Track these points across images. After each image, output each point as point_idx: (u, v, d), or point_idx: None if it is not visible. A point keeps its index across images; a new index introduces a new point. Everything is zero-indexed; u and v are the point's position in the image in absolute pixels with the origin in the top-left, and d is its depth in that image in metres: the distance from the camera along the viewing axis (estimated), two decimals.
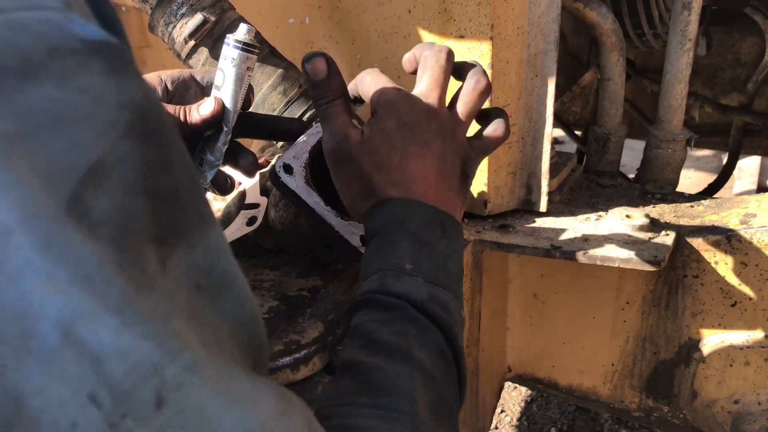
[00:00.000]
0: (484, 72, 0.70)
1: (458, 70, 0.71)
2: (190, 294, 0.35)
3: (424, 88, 0.68)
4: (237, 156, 0.78)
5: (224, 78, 0.74)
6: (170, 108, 0.74)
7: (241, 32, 0.73)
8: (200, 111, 0.74)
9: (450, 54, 0.69)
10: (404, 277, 0.60)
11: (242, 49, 0.73)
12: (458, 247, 0.65)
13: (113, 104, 0.33)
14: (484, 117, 0.72)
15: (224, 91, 0.74)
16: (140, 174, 0.33)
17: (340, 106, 0.67)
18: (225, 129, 0.75)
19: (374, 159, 0.65)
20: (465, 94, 0.69)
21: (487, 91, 0.69)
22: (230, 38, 0.73)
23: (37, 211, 0.29)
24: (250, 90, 0.77)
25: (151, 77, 0.77)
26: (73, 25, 0.33)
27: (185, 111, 0.74)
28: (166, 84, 0.77)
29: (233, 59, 0.73)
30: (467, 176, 0.70)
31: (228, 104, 0.74)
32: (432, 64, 0.68)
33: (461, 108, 0.69)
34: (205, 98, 0.75)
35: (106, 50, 0.34)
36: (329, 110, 0.67)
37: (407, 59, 0.71)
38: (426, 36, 0.96)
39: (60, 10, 0.33)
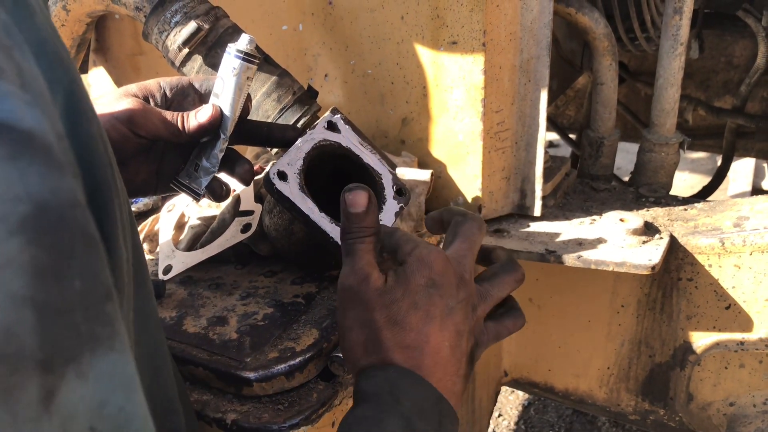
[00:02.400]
0: (517, 261, 0.68)
1: (486, 251, 0.70)
2: None
3: (458, 252, 0.64)
4: (233, 164, 0.78)
5: (224, 86, 0.74)
6: (168, 114, 0.74)
7: (243, 42, 0.74)
8: (198, 117, 0.74)
9: (485, 228, 0.68)
10: None
11: (243, 59, 0.73)
12: None
13: (4, 195, 0.28)
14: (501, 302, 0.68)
15: (223, 99, 0.75)
16: (29, 281, 0.27)
17: (369, 244, 0.63)
18: (222, 136, 0.76)
19: (390, 312, 0.60)
20: (502, 278, 0.66)
21: (521, 281, 0.67)
22: (232, 47, 0.74)
23: None
24: (248, 99, 0.78)
25: (150, 83, 0.78)
26: None
27: (183, 117, 0.74)
28: (164, 90, 0.78)
29: (234, 68, 0.74)
30: (473, 361, 0.64)
31: (226, 112, 0.75)
32: (469, 232, 0.66)
33: (494, 290, 0.65)
34: (203, 105, 0.75)
35: (7, 133, 0.29)
36: (356, 246, 0.63)
37: (433, 219, 0.70)
38: (419, 42, 0.97)
39: None
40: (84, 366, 0.29)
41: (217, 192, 0.79)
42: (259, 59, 0.76)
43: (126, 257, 0.39)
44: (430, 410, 0.56)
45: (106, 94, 0.77)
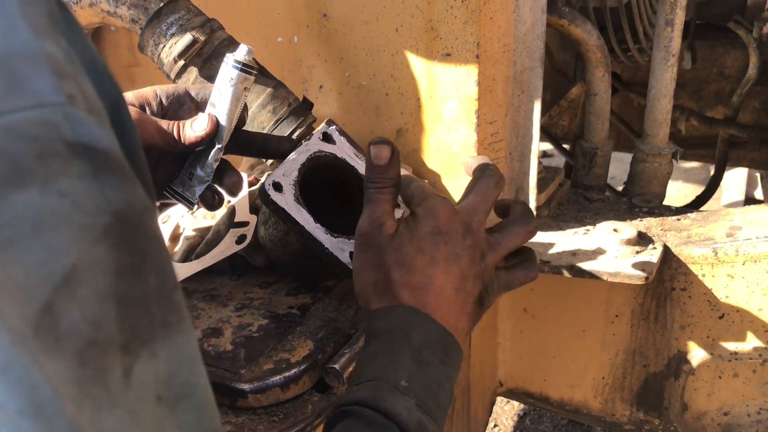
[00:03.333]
0: (533, 214, 0.72)
1: (505, 205, 0.73)
2: (153, 408, 0.34)
3: (469, 205, 0.68)
4: (222, 174, 0.78)
5: (221, 96, 0.75)
6: (164, 123, 0.75)
7: (241, 53, 0.74)
8: (194, 127, 0.74)
9: (503, 183, 0.71)
10: (398, 394, 0.58)
11: (241, 70, 0.74)
12: (454, 376, 0.63)
13: (90, 208, 0.32)
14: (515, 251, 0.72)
15: (219, 109, 0.75)
16: (112, 280, 0.32)
17: (388, 194, 0.68)
18: (217, 146, 0.76)
19: (399, 255, 0.65)
20: (512, 229, 0.70)
21: (533, 234, 0.71)
22: (230, 57, 0.74)
23: (1, 334, 0.28)
24: (245, 109, 0.78)
25: (147, 92, 0.78)
26: (68, 125, 0.32)
27: (179, 127, 0.75)
28: (161, 98, 0.78)
29: (231, 79, 0.74)
30: (482, 304, 0.68)
31: (223, 122, 0.75)
32: (485, 187, 0.70)
33: (504, 240, 0.69)
34: (200, 114, 0.76)
35: (89, 153, 0.33)
36: (377, 195, 0.68)
37: (467, 165, 0.75)
38: (413, 54, 0.97)
39: (61, 105, 0.32)
40: (157, 347, 0.34)
41: (210, 202, 0.80)
42: (257, 70, 0.76)
43: None
44: (435, 342, 0.62)
45: None
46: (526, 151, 1.02)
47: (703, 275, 1.00)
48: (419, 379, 0.59)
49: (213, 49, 0.85)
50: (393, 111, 1.03)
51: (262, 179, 0.97)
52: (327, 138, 0.81)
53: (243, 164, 1.09)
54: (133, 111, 0.74)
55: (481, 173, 0.71)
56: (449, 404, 0.63)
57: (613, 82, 1.22)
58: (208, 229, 0.96)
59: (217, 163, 0.77)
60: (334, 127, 0.82)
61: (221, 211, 0.98)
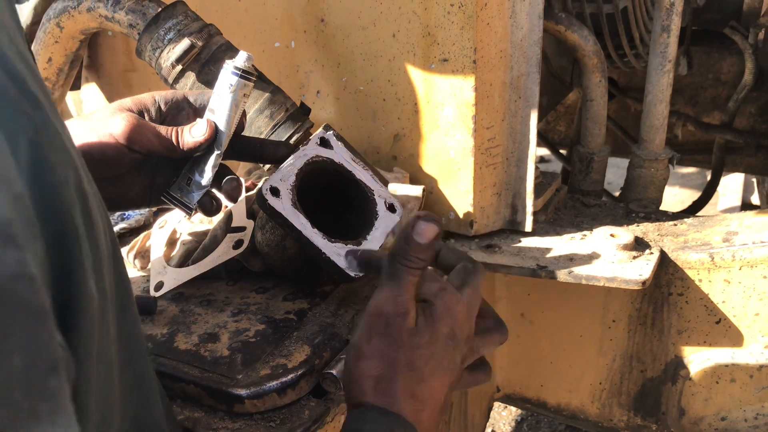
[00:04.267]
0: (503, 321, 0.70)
1: (450, 262, 0.68)
2: None
3: (471, 302, 0.64)
4: (221, 179, 0.78)
5: (220, 102, 0.75)
6: (162, 129, 0.75)
7: (241, 59, 0.75)
8: (193, 133, 0.74)
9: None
10: None
11: (241, 76, 0.74)
12: None
13: None
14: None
15: (218, 115, 0.75)
16: None
17: (418, 277, 0.62)
18: (216, 152, 0.76)
19: (414, 356, 0.60)
20: (493, 338, 0.67)
21: (504, 342, 0.69)
22: (229, 64, 0.75)
23: None
24: (243, 115, 0.78)
25: (145, 97, 0.78)
26: None
27: (177, 132, 0.75)
28: (159, 105, 0.78)
29: (231, 85, 0.74)
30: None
31: (222, 128, 0.75)
32: (479, 285, 0.65)
33: (482, 347, 0.66)
34: (198, 120, 0.76)
35: None
36: (408, 276, 0.61)
37: (419, 230, 0.63)
38: (410, 60, 0.98)
39: None
40: None
41: (208, 207, 0.80)
42: (256, 77, 0.76)
43: (97, 295, 0.39)
44: None
45: (101, 109, 0.77)
46: (523, 157, 1.02)
47: (700, 280, 1.01)
48: None
49: (211, 54, 0.85)
50: (390, 116, 1.03)
51: (260, 184, 0.97)
52: (324, 143, 0.81)
53: (240, 169, 1.09)
54: (132, 117, 0.74)
55: (473, 266, 0.66)
56: None
57: (609, 87, 1.22)
58: (204, 234, 0.96)
59: (216, 169, 0.77)
60: (331, 132, 0.82)
61: (218, 216, 0.98)
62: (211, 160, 0.76)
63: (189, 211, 0.79)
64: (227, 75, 0.74)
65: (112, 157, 0.73)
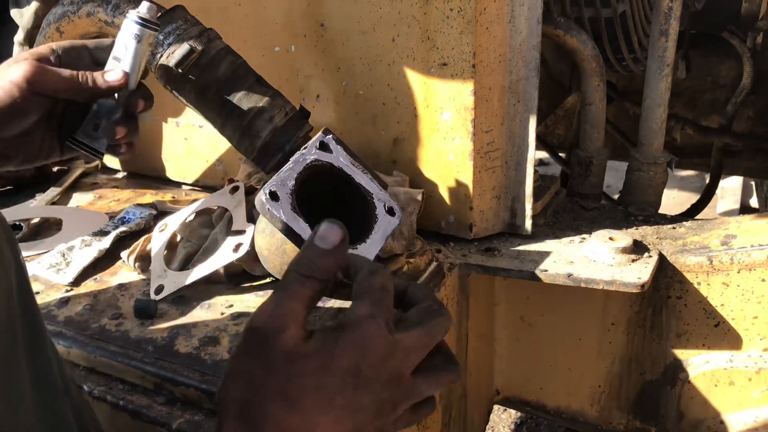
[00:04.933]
0: (455, 359, 0.61)
1: (401, 292, 0.61)
2: None
3: (413, 343, 0.55)
4: (129, 106, 0.81)
5: (125, 51, 0.79)
6: (66, 72, 0.77)
7: (144, 9, 0.79)
8: (107, 78, 0.77)
9: (449, 326, 0.60)
10: None
11: (143, 25, 0.78)
12: None
13: None
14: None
15: (124, 63, 0.79)
16: None
17: (310, 290, 0.53)
18: (119, 98, 0.80)
19: (289, 386, 0.50)
20: (440, 377, 0.58)
21: (455, 382, 0.62)
22: (132, 14, 0.79)
23: None
24: (148, 63, 0.82)
25: (42, 48, 0.80)
26: None
27: (89, 76, 0.77)
28: (58, 53, 0.80)
29: (137, 35, 0.78)
30: None
31: (129, 73, 0.79)
32: (438, 328, 0.57)
33: (425, 388, 0.57)
34: (113, 66, 0.79)
35: None
36: (297, 286, 0.53)
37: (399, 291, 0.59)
38: (410, 64, 0.98)
39: None
40: None
41: (118, 151, 0.82)
42: (159, 26, 0.80)
43: None
44: None
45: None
46: (522, 160, 1.03)
47: (699, 283, 1.01)
48: None
49: (210, 58, 0.85)
50: (390, 120, 1.04)
51: (259, 188, 0.98)
52: (324, 147, 0.82)
53: (240, 173, 1.10)
54: (32, 63, 0.75)
55: (438, 308, 0.58)
56: None
57: (608, 91, 1.22)
58: (205, 237, 0.96)
59: (119, 114, 0.80)
60: (330, 136, 0.82)
61: (221, 223, 0.98)
62: (119, 106, 0.80)
63: (100, 156, 0.82)
64: (131, 24, 0.78)
65: (18, 106, 0.74)
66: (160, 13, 0.81)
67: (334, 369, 0.51)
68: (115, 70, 0.79)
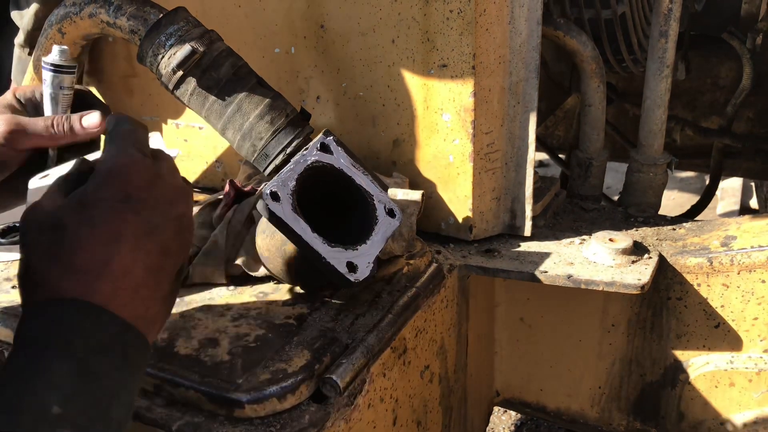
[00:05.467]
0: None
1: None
2: None
3: (166, 166, 0.59)
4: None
5: (52, 98, 0.81)
6: (41, 124, 0.77)
7: (55, 55, 0.81)
8: (85, 125, 0.78)
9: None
10: (45, 428, 0.44)
11: (57, 72, 0.81)
12: (135, 380, 0.51)
13: None
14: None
15: (45, 109, 0.81)
16: None
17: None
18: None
19: (58, 233, 0.51)
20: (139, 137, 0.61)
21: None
22: (46, 61, 0.81)
23: None
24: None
25: (8, 96, 0.81)
26: None
27: (67, 125, 0.78)
28: (21, 101, 0.82)
29: (57, 83, 0.81)
30: (182, 273, 0.57)
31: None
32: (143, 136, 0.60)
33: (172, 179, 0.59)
34: (90, 111, 0.80)
35: None
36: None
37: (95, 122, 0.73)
38: (409, 65, 0.98)
39: None
40: None
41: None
42: (72, 68, 0.82)
43: None
44: (109, 343, 0.48)
45: None
46: (522, 161, 1.03)
47: (699, 285, 1.01)
48: (82, 398, 0.46)
49: (212, 60, 0.85)
50: (389, 121, 1.04)
51: (260, 189, 0.98)
52: (324, 148, 0.82)
53: (240, 174, 1.10)
54: (8, 121, 0.76)
55: (122, 123, 0.61)
56: (128, 416, 0.50)
57: (608, 92, 1.23)
58: (205, 239, 0.96)
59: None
60: (331, 137, 0.82)
61: (221, 224, 0.98)
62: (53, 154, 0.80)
63: None
64: (47, 73, 0.81)
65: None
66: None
67: (93, 201, 0.52)
68: (91, 114, 0.79)
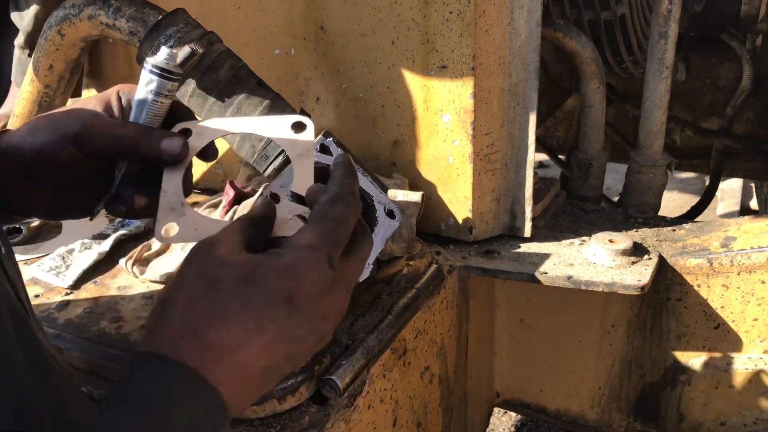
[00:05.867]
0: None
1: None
2: None
3: (341, 281, 0.53)
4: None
5: (144, 104, 0.68)
6: (115, 133, 0.65)
7: (161, 57, 0.68)
8: (164, 147, 0.64)
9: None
10: None
11: (161, 76, 0.67)
12: None
13: None
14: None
15: (132, 113, 0.68)
16: None
17: (247, 216, 0.56)
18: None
19: (213, 291, 0.48)
20: (363, 254, 0.56)
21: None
22: (149, 62, 0.68)
23: None
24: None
25: (111, 92, 0.70)
26: None
27: (144, 140, 0.65)
28: (120, 98, 0.70)
29: (153, 89, 0.68)
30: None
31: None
32: (366, 251, 0.56)
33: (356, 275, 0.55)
34: (173, 134, 0.67)
35: None
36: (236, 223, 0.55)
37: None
38: (409, 67, 0.98)
39: None
40: None
41: (118, 210, 0.68)
42: (181, 75, 0.69)
43: None
44: (203, 424, 0.46)
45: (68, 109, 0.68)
46: (522, 162, 1.03)
47: (699, 285, 1.01)
48: None
49: (211, 61, 0.85)
50: (389, 122, 1.04)
51: (260, 190, 0.98)
52: (324, 149, 0.82)
53: (240, 176, 1.10)
54: (84, 124, 0.64)
55: (361, 228, 0.57)
56: None
57: (608, 93, 1.23)
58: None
59: (122, 172, 0.68)
60: (331, 138, 0.82)
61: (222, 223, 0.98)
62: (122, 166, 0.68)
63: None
64: (146, 74, 0.67)
65: (63, 162, 0.64)
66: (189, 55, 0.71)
67: (258, 282, 0.48)
68: (174, 140, 0.64)
